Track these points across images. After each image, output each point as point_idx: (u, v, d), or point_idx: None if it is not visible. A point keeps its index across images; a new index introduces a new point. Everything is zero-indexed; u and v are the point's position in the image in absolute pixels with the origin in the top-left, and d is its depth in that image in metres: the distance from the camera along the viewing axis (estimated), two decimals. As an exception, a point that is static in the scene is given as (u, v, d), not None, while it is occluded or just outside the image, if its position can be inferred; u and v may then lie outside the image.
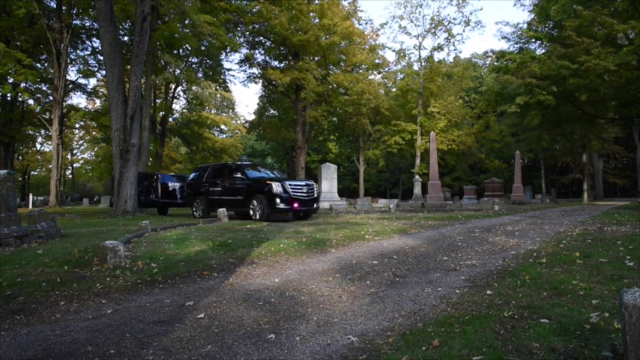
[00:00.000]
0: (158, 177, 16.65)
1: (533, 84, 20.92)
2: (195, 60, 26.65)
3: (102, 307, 3.31)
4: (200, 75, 27.15)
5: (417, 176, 27.79)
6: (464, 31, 35.50)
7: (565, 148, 35.31)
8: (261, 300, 3.39)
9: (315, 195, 11.61)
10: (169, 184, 16.74)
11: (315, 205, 11.73)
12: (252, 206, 11.21)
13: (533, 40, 25.27)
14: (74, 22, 23.89)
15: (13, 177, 6.69)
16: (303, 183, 11.48)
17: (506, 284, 3.65)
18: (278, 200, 10.57)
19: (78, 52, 27.04)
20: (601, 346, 2.22)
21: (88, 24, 25.06)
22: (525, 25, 26.28)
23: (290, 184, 10.92)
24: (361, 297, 3.42)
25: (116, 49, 14.47)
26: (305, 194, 11.09)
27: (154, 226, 8.40)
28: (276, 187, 10.69)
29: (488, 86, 30.49)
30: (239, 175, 12.10)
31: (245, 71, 28.56)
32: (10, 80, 22.29)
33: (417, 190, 26.90)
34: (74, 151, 45.15)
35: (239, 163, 13.64)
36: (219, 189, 12.53)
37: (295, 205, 10.75)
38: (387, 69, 32.94)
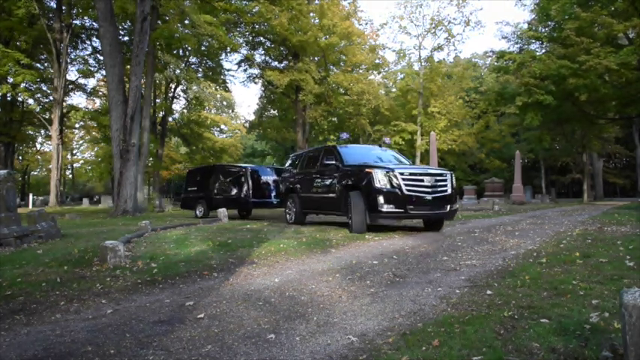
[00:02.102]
0: (247, 170, 13.13)
1: (531, 84, 20.92)
2: (195, 60, 26.65)
3: (102, 307, 3.31)
4: (200, 75, 27.16)
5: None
6: (464, 31, 35.56)
7: (565, 148, 35.31)
8: (261, 300, 3.39)
9: (449, 191, 7.70)
10: (262, 179, 13.17)
11: (448, 207, 7.67)
12: (346, 209, 7.83)
13: (534, 40, 25.27)
14: (74, 22, 23.91)
15: (13, 177, 6.69)
16: (426, 171, 7.85)
17: (506, 284, 3.65)
18: (381, 199, 7.18)
19: (78, 52, 27.07)
20: (601, 346, 2.22)
21: (88, 24, 25.07)
22: (526, 25, 26.29)
23: (403, 173, 7.37)
24: (361, 297, 3.42)
25: (116, 49, 14.48)
26: (429, 189, 7.45)
27: (153, 226, 8.41)
28: (379, 177, 7.26)
29: (489, 86, 30.51)
30: (332, 161, 8.48)
31: (245, 71, 28.52)
32: (10, 80, 22.28)
33: (418, 190, 26.82)
34: (74, 151, 45.18)
35: (335, 144, 9.75)
36: (311, 183, 9.31)
37: (410, 206, 7.23)
38: (387, 69, 32.94)
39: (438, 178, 7.63)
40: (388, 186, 7.24)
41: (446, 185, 7.65)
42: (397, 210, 7.20)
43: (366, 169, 7.60)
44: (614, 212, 12.60)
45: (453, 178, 7.98)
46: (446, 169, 8.14)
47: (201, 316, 3.02)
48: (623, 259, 4.49)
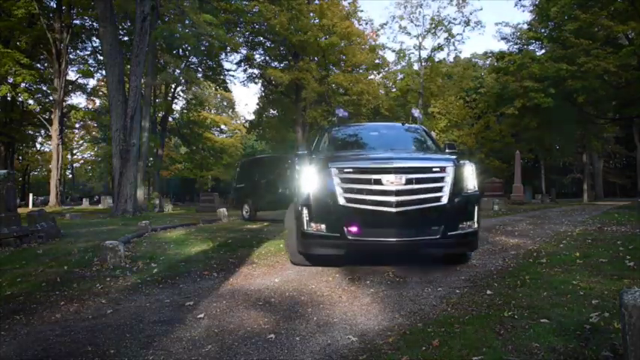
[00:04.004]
0: None
1: (529, 88, 20.91)
2: (195, 60, 26.64)
3: (102, 307, 3.31)
4: (200, 75, 27.15)
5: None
6: (464, 31, 35.43)
7: (565, 148, 35.30)
8: (261, 300, 3.39)
9: (445, 197, 4.12)
10: None
11: (442, 229, 4.07)
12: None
13: (534, 40, 25.27)
14: (74, 22, 23.89)
15: (13, 177, 6.69)
16: (391, 164, 4.16)
17: (506, 284, 3.65)
18: (305, 214, 4.26)
19: (78, 52, 27.04)
20: (601, 346, 2.22)
21: (88, 24, 25.04)
22: (525, 26, 26.29)
23: (343, 168, 4.22)
24: (361, 297, 3.42)
25: (116, 49, 14.47)
26: (393, 196, 4.02)
27: (153, 226, 8.40)
28: (308, 174, 4.32)
29: (488, 87, 30.48)
30: (304, 150, 5.51)
31: (245, 71, 28.52)
32: (10, 80, 22.28)
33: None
34: (74, 151, 45.15)
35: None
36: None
37: (352, 228, 4.08)
38: (387, 69, 32.93)
39: (422, 174, 4.11)
40: (317, 191, 4.17)
41: (440, 186, 4.09)
42: (329, 234, 4.09)
43: (298, 162, 5.00)
44: (614, 212, 12.60)
45: (467, 171, 4.36)
46: (447, 155, 4.73)
47: (201, 316, 3.02)
48: (623, 259, 4.49)
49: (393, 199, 3.94)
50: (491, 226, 8.94)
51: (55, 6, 23.29)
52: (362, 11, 43.75)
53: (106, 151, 30.82)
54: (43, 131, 31.79)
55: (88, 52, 27.32)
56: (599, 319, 2.61)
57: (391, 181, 3.96)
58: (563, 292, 3.32)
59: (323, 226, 4.13)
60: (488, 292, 3.42)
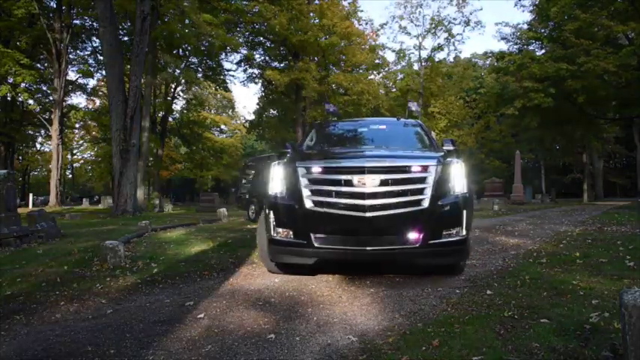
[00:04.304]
0: None
1: (529, 88, 20.91)
2: (195, 60, 26.65)
3: (102, 307, 3.31)
4: (200, 75, 27.15)
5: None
6: (464, 31, 35.38)
7: (565, 148, 35.30)
8: (261, 300, 3.39)
9: (427, 200, 3.60)
10: None
11: (420, 237, 3.59)
12: None
13: (534, 40, 25.26)
14: (74, 22, 23.89)
15: (13, 177, 6.69)
16: (362, 164, 3.69)
17: (506, 284, 3.65)
18: (271, 218, 3.89)
19: (78, 52, 27.04)
20: (601, 346, 2.22)
21: (88, 24, 25.05)
22: (525, 26, 26.27)
23: (310, 168, 3.78)
24: (361, 297, 3.42)
25: (116, 49, 14.46)
26: (365, 199, 3.55)
27: (153, 226, 8.40)
28: (276, 174, 3.98)
29: (488, 87, 30.50)
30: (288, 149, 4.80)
31: (245, 71, 28.53)
32: (10, 80, 22.29)
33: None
34: (74, 151, 45.14)
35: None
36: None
37: (319, 235, 3.68)
38: (387, 69, 32.94)
39: (399, 174, 3.61)
40: (284, 192, 3.81)
41: (420, 188, 3.59)
42: (295, 241, 3.69)
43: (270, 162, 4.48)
44: (614, 212, 12.60)
45: (455, 170, 3.81)
46: (433, 152, 4.31)
47: (201, 316, 3.02)
48: (623, 259, 4.49)
49: (365, 202, 3.49)
50: (491, 226, 8.95)
51: (55, 6, 23.30)
52: (362, 11, 43.83)
53: (106, 151, 30.77)
54: (43, 131, 31.80)
55: (88, 52, 27.35)
56: (599, 319, 2.61)
57: (363, 182, 3.51)
58: (563, 292, 3.32)
59: (290, 232, 3.72)
60: (488, 292, 3.42)
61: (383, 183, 3.53)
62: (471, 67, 36.75)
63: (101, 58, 20.97)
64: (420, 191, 3.57)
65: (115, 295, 3.65)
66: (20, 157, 38.40)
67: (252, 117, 34.27)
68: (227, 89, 32.56)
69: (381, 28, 32.68)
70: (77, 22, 24.52)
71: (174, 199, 33.89)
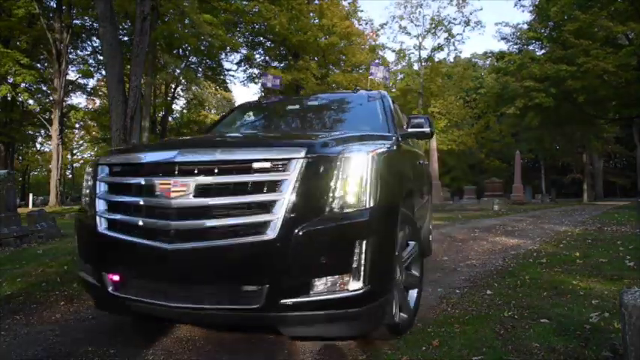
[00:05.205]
0: None
1: (530, 87, 20.91)
2: (195, 60, 26.66)
3: (102, 307, 3.31)
4: (200, 75, 27.16)
5: (417, 176, 27.76)
6: (464, 31, 35.29)
7: (565, 148, 35.30)
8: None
9: (270, 232, 1.95)
10: None
11: (260, 300, 1.97)
12: None
13: (534, 40, 25.26)
14: (74, 22, 23.88)
15: (12, 177, 6.70)
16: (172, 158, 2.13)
17: (506, 284, 3.65)
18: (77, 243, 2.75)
19: (78, 52, 27.04)
20: (601, 346, 2.22)
21: (88, 24, 25.04)
22: (525, 26, 26.26)
23: (109, 165, 2.43)
24: (361, 297, 3.41)
25: (116, 49, 14.41)
26: (173, 221, 2.06)
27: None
28: (85, 180, 2.64)
29: (488, 87, 30.50)
30: None
31: (245, 71, 28.53)
32: (10, 80, 22.29)
33: (418, 190, 26.87)
34: (74, 151, 45.15)
35: None
36: None
37: (113, 275, 2.30)
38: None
39: (229, 176, 2.06)
40: (86, 206, 2.57)
41: (267, 201, 2.01)
42: (91, 282, 2.44)
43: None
44: (614, 212, 12.60)
45: (351, 168, 2.10)
46: (304, 140, 2.36)
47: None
48: (623, 259, 4.49)
49: (171, 224, 2.02)
50: (492, 226, 8.95)
51: (55, 6, 23.28)
52: (362, 11, 43.79)
53: (106, 151, 30.77)
54: (43, 131, 31.78)
55: (88, 52, 27.33)
56: (599, 319, 2.61)
57: (169, 189, 2.03)
58: (563, 292, 3.32)
59: (89, 268, 2.44)
60: (488, 292, 3.42)
61: (201, 191, 2.01)
62: (470, 67, 36.73)
63: (101, 58, 20.97)
64: (266, 207, 1.98)
65: (115, 295, 3.64)
66: (20, 157, 38.40)
67: (252, 117, 34.22)
68: (227, 89, 32.55)
69: (381, 28, 32.61)
70: (77, 22, 24.51)
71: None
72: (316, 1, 24.98)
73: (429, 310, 3.02)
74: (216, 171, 2.04)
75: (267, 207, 1.98)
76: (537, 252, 5.33)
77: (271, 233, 1.93)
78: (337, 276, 2.00)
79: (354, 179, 2.06)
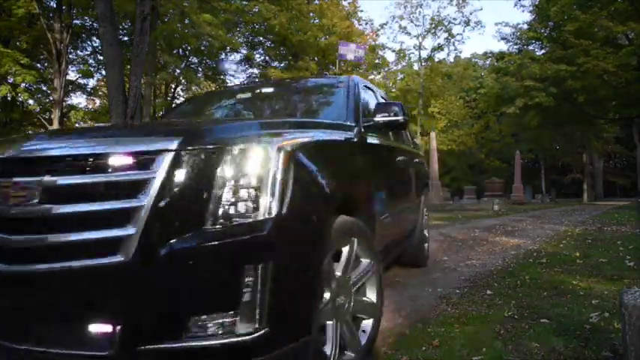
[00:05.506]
0: None
1: (531, 87, 20.93)
2: (195, 60, 26.67)
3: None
4: (200, 75, 27.17)
5: (417, 176, 27.77)
6: (464, 31, 35.24)
7: (565, 148, 35.31)
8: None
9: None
10: None
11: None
12: None
13: (534, 40, 25.27)
14: (74, 22, 23.90)
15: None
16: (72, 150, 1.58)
17: (506, 284, 3.65)
18: None
19: (78, 52, 27.06)
20: (601, 346, 2.22)
21: (88, 24, 25.06)
22: (525, 26, 26.27)
23: None
24: (361, 297, 3.41)
25: (116, 49, 14.43)
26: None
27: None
28: None
29: (488, 87, 30.51)
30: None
31: (245, 71, 28.54)
32: (10, 80, 22.30)
33: (418, 190, 26.88)
34: (74, 151, 45.18)
35: None
36: None
37: None
38: (387, 69, 32.91)
39: (81, 176, 1.49)
40: None
41: (124, 209, 1.42)
42: None
43: None
44: (614, 212, 12.61)
45: (250, 165, 1.51)
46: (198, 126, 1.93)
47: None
48: (623, 259, 4.49)
49: (9, 238, 1.52)
50: (492, 226, 8.95)
51: (55, 6, 23.30)
52: (362, 11, 43.76)
53: None
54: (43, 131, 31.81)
55: (88, 52, 27.34)
56: (599, 319, 2.61)
57: (8, 192, 1.54)
58: (563, 292, 3.32)
59: None
60: (488, 292, 3.42)
61: (47, 195, 1.49)
62: (470, 67, 36.72)
63: (101, 58, 20.96)
64: (119, 218, 1.43)
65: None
66: (20, 157, 38.42)
67: (252, 117, 34.26)
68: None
69: (381, 28, 32.65)
70: (77, 22, 24.52)
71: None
72: (316, 1, 25.01)
73: (429, 310, 3.02)
74: (67, 169, 1.52)
75: (120, 218, 1.41)
76: (537, 252, 5.33)
77: (124, 254, 1.38)
78: (219, 314, 1.42)
79: (251, 179, 1.50)
